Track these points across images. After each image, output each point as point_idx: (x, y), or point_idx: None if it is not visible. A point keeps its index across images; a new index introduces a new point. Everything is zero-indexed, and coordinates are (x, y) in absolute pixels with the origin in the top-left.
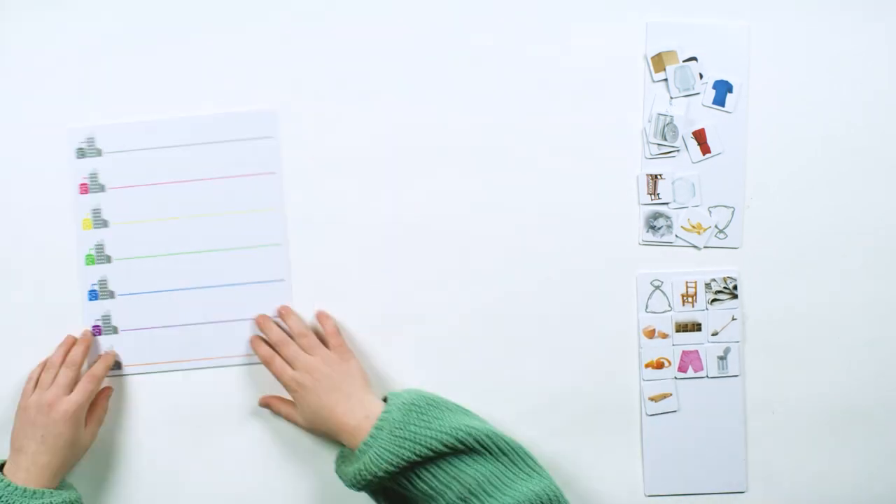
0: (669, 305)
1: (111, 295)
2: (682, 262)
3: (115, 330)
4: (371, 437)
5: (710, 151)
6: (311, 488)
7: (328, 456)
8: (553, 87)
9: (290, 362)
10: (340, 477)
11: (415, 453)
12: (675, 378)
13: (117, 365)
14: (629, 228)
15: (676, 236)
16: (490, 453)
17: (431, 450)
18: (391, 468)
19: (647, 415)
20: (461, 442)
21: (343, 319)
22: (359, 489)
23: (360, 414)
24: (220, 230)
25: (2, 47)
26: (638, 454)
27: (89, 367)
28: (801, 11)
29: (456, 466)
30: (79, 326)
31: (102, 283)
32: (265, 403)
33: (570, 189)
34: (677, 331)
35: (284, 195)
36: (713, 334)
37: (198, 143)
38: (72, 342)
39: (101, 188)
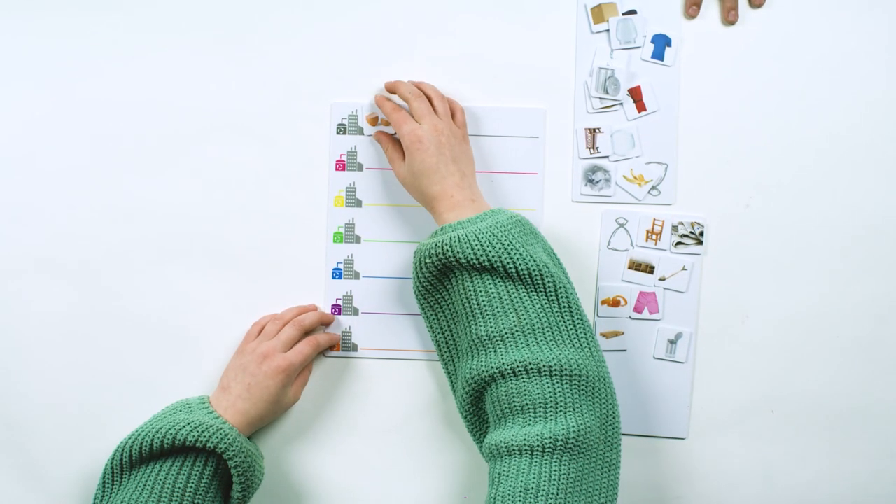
0: (632, 244)
1: (356, 276)
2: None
3: (355, 311)
4: (469, 220)
5: (645, 109)
6: None
7: None
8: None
9: (418, 117)
10: (417, 253)
11: (500, 261)
12: (630, 318)
13: (353, 347)
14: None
15: (616, 184)
16: (560, 307)
17: (515, 268)
18: (471, 258)
19: None
20: (544, 280)
21: None
22: (421, 268)
23: (468, 193)
24: None
25: (279, 17)
26: None
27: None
28: None
29: (521, 298)
30: (319, 302)
31: (348, 262)
32: (378, 136)
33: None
34: (629, 267)
35: (545, 197)
36: (660, 279)
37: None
38: (311, 308)
39: (359, 167)
